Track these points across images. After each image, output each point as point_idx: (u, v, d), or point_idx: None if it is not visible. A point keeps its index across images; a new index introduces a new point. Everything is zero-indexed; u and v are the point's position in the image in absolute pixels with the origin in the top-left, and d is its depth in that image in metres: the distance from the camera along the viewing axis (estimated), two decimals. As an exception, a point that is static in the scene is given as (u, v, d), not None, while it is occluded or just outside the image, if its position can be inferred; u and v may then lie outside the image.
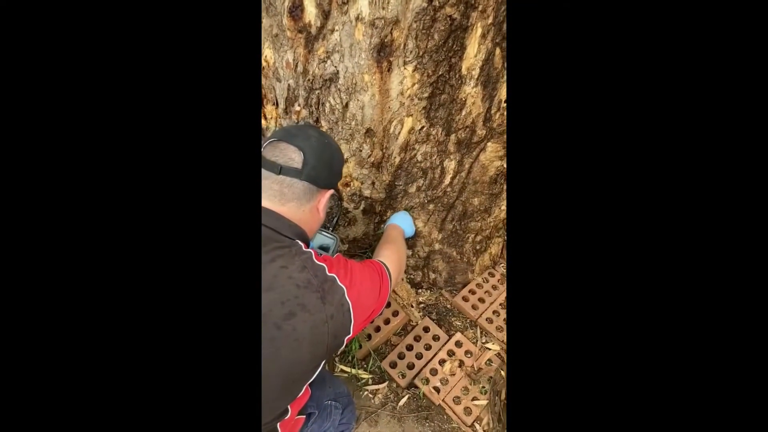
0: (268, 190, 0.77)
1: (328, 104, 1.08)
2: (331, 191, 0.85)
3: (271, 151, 0.78)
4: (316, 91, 1.07)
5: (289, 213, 0.78)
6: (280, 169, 0.76)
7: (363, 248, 1.53)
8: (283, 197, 0.77)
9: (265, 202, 0.77)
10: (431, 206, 1.32)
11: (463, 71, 1.03)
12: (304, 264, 0.72)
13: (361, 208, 1.35)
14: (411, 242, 1.40)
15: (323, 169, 0.80)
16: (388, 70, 0.99)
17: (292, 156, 0.77)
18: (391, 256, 0.98)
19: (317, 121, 1.13)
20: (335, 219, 1.29)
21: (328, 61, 1.00)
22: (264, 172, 0.77)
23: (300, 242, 0.77)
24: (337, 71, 1.01)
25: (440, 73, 1.01)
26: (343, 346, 0.78)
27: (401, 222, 1.27)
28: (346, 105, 1.07)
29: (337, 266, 0.77)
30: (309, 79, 1.05)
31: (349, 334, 0.76)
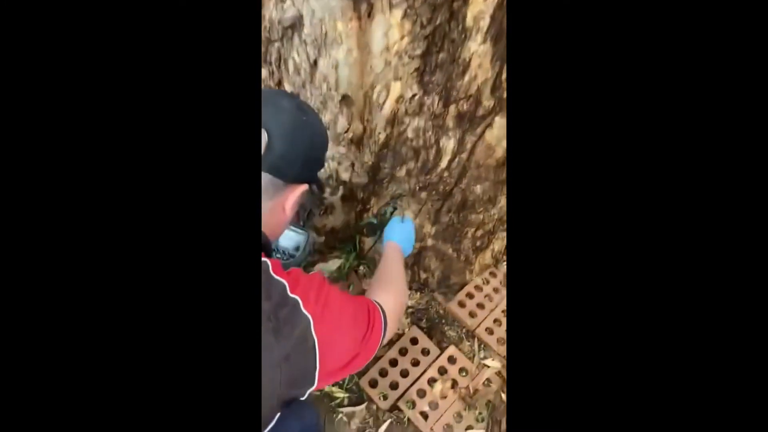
0: None
1: (291, 61, 0.87)
2: (305, 187, 0.65)
3: None
4: (275, 44, 0.85)
5: None
6: None
7: (344, 240, 1.37)
8: None
9: None
10: (424, 194, 1.16)
11: (469, 21, 0.82)
12: None
13: (340, 194, 1.17)
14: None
15: (296, 158, 0.61)
16: (369, 16, 0.79)
17: None
18: (387, 299, 0.78)
19: (279, 84, 0.93)
20: (307, 212, 1.10)
21: (288, 1, 0.77)
22: None
23: None
24: (300, 15, 0.79)
25: (438, 22, 0.81)
26: (304, 398, 0.60)
27: (401, 236, 1.07)
28: (315, 63, 0.86)
29: (305, 285, 0.59)
30: (265, 27, 0.83)
31: (313, 385, 0.59)
